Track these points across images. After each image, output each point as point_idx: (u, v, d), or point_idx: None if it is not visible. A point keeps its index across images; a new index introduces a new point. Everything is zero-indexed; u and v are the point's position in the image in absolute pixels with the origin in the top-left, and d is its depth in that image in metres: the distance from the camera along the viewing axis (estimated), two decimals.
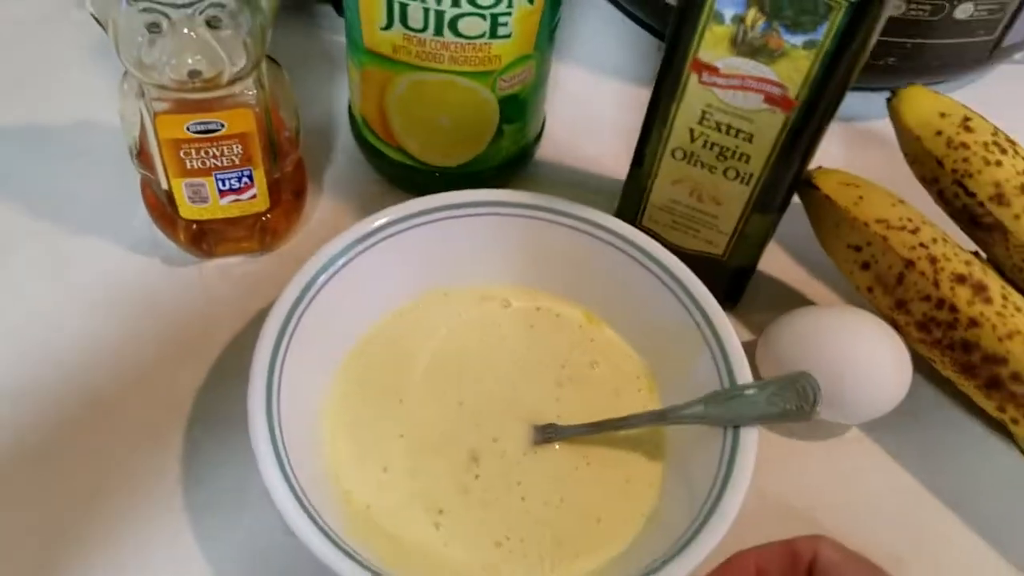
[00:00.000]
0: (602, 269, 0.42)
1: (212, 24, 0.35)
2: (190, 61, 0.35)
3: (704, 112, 0.37)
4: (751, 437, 0.35)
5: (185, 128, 0.38)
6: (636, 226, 0.43)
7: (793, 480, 0.41)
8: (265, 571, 0.37)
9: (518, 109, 0.45)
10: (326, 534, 0.32)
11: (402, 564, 0.34)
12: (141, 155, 0.41)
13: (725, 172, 0.39)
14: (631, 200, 0.43)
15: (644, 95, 0.39)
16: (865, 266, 0.41)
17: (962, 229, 0.43)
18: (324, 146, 0.51)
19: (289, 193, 0.45)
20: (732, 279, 0.44)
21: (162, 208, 0.43)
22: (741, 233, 0.41)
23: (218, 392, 0.41)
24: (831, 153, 0.45)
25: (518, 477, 0.38)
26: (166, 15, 0.34)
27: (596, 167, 0.53)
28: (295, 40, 0.56)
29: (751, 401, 0.36)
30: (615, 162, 0.53)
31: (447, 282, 0.43)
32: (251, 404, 0.34)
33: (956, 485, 0.41)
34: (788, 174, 0.38)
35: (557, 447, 0.39)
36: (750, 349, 0.43)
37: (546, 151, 0.53)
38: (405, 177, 0.48)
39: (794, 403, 0.35)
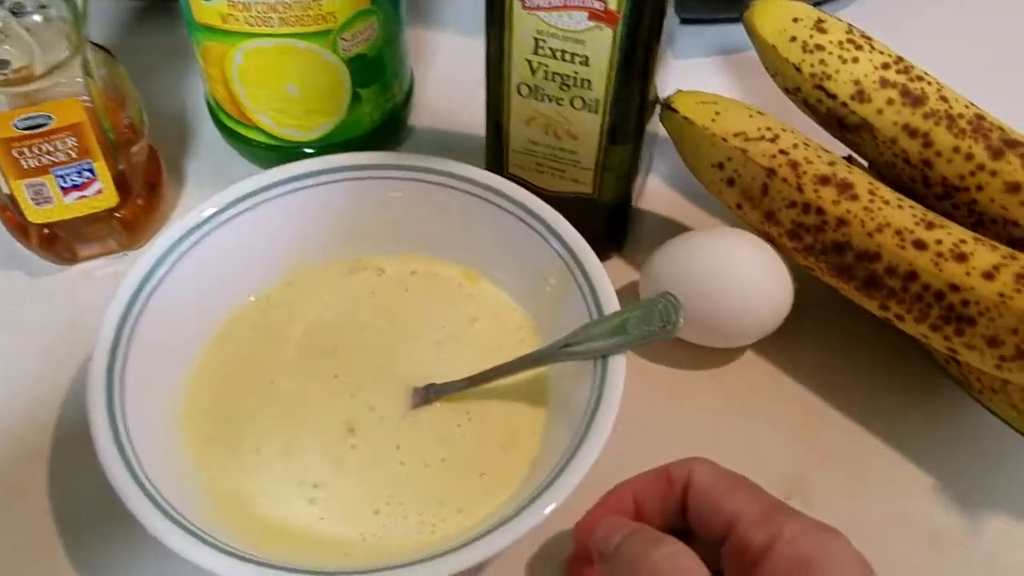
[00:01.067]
0: (474, 223, 0.41)
1: (16, 11, 0.33)
2: (7, 47, 0.33)
3: (536, 40, 0.35)
4: (618, 363, 0.34)
5: (12, 125, 0.36)
6: (503, 175, 0.42)
7: (688, 410, 0.40)
8: None
9: (371, 70, 0.44)
10: (180, 525, 0.30)
11: (274, 544, 0.33)
12: None
13: (572, 102, 0.37)
14: (494, 149, 0.42)
15: None
16: (730, 182, 0.40)
17: (834, 136, 0.42)
18: (186, 137, 0.50)
19: (142, 186, 0.43)
20: (610, 218, 0.43)
21: (10, 215, 0.41)
22: (604, 167, 0.40)
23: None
24: (713, 86, 0.44)
25: (397, 441, 0.36)
26: None
27: (475, 128, 0.51)
28: (157, 34, 0.54)
29: (616, 329, 0.35)
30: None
31: (315, 257, 0.42)
32: (91, 406, 0.33)
33: (855, 395, 0.40)
34: (633, 97, 0.37)
35: (438, 406, 0.38)
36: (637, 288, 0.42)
37: (421, 117, 0.52)
38: (268, 156, 0.46)
39: (657, 324, 0.34)
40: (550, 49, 0.36)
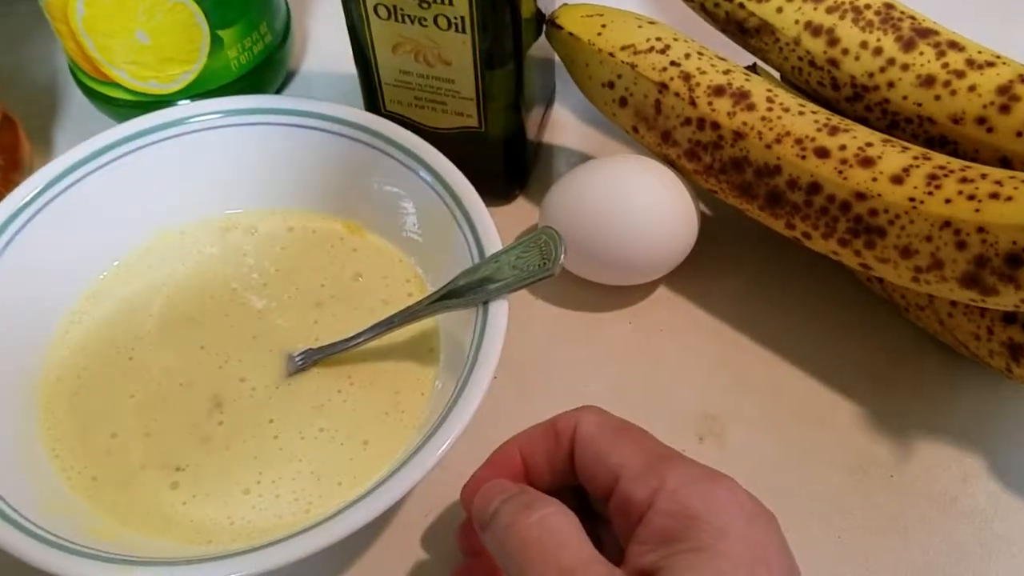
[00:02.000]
0: (352, 169, 0.37)
1: None
2: None
3: None
4: (499, 309, 0.31)
5: None
6: (380, 113, 0.38)
7: (597, 354, 0.36)
8: None
9: (229, 8, 0.40)
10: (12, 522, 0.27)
11: (134, 535, 0.30)
12: None
13: (436, 21, 0.33)
14: (366, 85, 0.38)
15: None
16: (622, 102, 0.36)
17: (736, 43, 0.38)
18: (55, 105, 0.46)
19: (4, 156, 0.39)
20: (506, 154, 0.39)
21: None
22: (486, 95, 0.36)
23: None
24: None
25: (270, 415, 0.33)
26: None
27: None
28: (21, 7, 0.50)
29: (496, 270, 0.31)
30: None
31: (179, 219, 0.38)
32: None
33: (771, 324, 0.37)
34: (501, 11, 0.33)
35: (316, 372, 0.34)
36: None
37: (306, 60, 0.48)
38: (136, 114, 0.42)
39: (536, 262, 0.31)
40: None
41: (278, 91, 0.46)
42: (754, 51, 0.37)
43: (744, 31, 0.36)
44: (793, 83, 0.37)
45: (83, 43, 0.39)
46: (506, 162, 0.40)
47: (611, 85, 0.36)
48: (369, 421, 0.33)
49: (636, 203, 0.35)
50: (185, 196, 0.38)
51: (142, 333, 0.35)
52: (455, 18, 0.33)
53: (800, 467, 0.33)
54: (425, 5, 0.33)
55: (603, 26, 0.36)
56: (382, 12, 0.34)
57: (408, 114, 0.38)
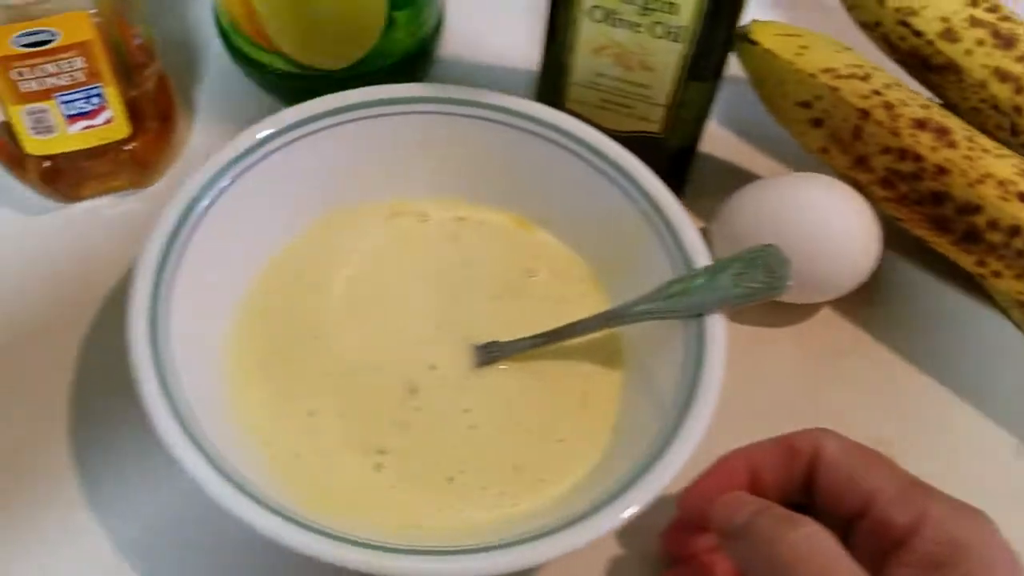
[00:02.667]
0: (528, 165, 0.37)
1: None
2: None
3: None
4: (717, 325, 0.31)
5: (9, 43, 0.31)
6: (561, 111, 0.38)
7: (762, 371, 0.37)
8: (176, 541, 0.32)
9: None
10: (244, 490, 0.27)
11: (342, 514, 0.30)
12: None
13: (652, 29, 0.34)
14: (550, 82, 0.38)
15: None
16: (817, 123, 0.37)
17: (912, 76, 0.39)
18: (189, 61, 0.44)
19: (154, 117, 0.38)
20: (673, 161, 0.40)
21: (5, 145, 0.36)
22: (679, 104, 0.36)
23: (104, 350, 0.35)
24: (771, 18, 0.41)
25: (464, 404, 0.33)
26: None
27: (506, 59, 0.47)
28: None
29: (712, 285, 0.32)
30: (530, 49, 0.48)
31: (353, 199, 0.38)
32: (134, 354, 0.29)
33: (938, 355, 0.38)
34: (722, 25, 0.34)
35: (503, 367, 0.34)
36: (703, 237, 0.39)
37: (446, 47, 0.47)
38: (288, 87, 0.42)
39: (761, 280, 0.31)
40: None
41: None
42: (931, 85, 0.39)
43: (927, 67, 0.38)
44: (969, 122, 0.38)
45: (258, 11, 0.38)
46: (671, 169, 0.40)
47: (807, 105, 0.37)
48: (561, 419, 0.33)
49: (823, 222, 0.36)
50: (357, 179, 0.37)
51: (326, 313, 0.35)
52: (674, 28, 0.33)
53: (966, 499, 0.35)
54: (647, 12, 0.33)
55: (803, 47, 0.37)
56: (597, 15, 0.34)
57: (588, 114, 0.38)
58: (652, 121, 0.38)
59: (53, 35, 0.32)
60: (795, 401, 0.37)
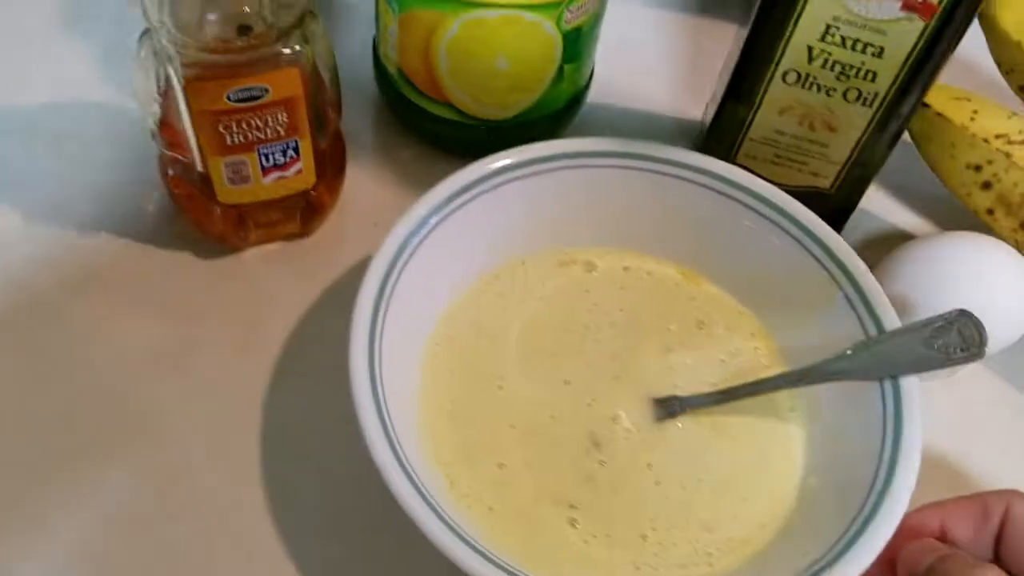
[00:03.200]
0: (695, 217, 0.38)
1: None
2: (246, 9, 0.29)
3: (829, 26, 0.32)
4: (913, 387, 0.32)
5: (226, 97, 0.32)
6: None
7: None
8: None
9: (579, 45, 0.40)
10: (467, 542, 0.27)
11: (542, 569, 0.30)
12: (165, 133, 0.35)
13: (845, 94, 0.34)
14: (724, 136, 0.39)
15: (686, 20, 0.35)
16: (986, 186, 0.37)
17: None
18: (346, 108, 0.45)
19: (332, 166, 0.39)
20: (835, 217, 0.40)
21: (190, 193, 0.37)
22: (855, 162, 0.37)
23: (288, 393, 0.36)
24: None
25: (647, 459, 0.34)
26: None
27: (650, 105, 0.48)
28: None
29: (905, 347, 0.32)
30: (670, 97, 0.49)
31: (523, 250, 0.38)
32: (358, 399, 0.29)
33: None
34: (915, 92, 0.34)
35: (680, 422, 0.35)
36: None
37: (591, 95, 0.48)
38: (447, 135, 0.43)
39: (956, 343, 0.32)
40: (841, 37, 0.32)
41: None
42: None
43: None
44: None
45: (436, 63, 0.39)
46: (832, 225, 0.41)
47: (978, 168, 0.37)
48: (742, 476, 0.34)
49: (986, 280, 0.36)
50: (528, 229, 0.38)
51: (505, 363, 0.36)
52: (868, 93, 0.34)
53: None
54: (843, 78, 0.34)
55: (975, 111, 0.37)
56: (790, 78, 0.35)
57: (759, 168, 0.39)
58: (823, 177, 0.38)
59: (264, 91, 0.33)
60: (945, 452, 0.37)
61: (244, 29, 0.30)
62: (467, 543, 0.27)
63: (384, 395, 0.30)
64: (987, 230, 0.38)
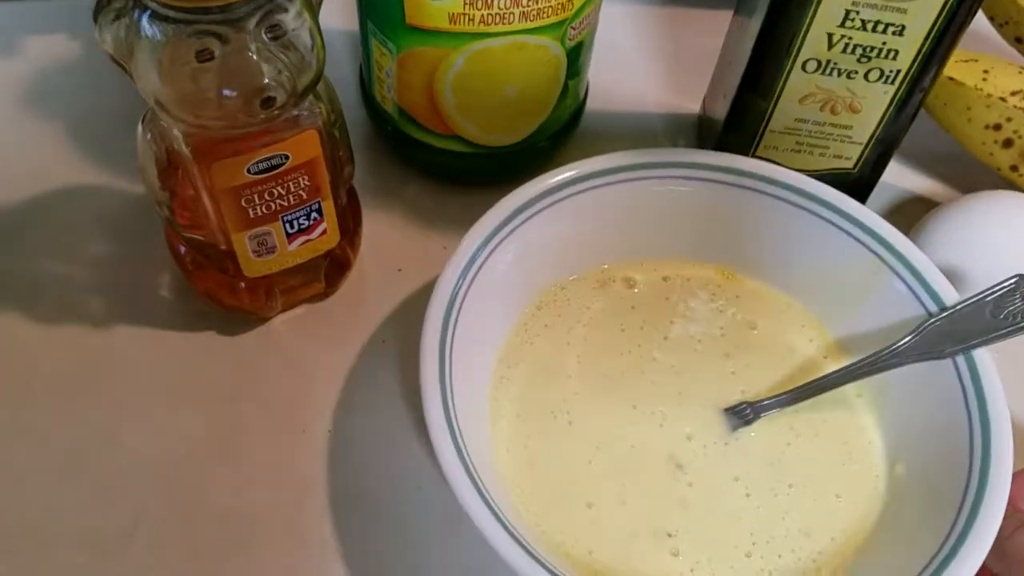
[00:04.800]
0: (727, 216, 0.37)
1: (274, 34, 0.27)
2: (268, 81, 0.27)
3: (848, 11, 0.32)
4: (987, 360, 0.32)
5: (246, 171, 0.30)
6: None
7: None
8: None
9: (580, 59, 0.39)
10: None
11: None
12: (181, 216, 0.33)
13: (867, 75, 0.34)
14: (743, 130, 0.38)
15: (660, 12, 0.34)
16: (1007, 144, 0.37)
17: None
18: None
19: (353, 218, 0.37)
20: (855, 195, 0.40)
21: (209, 271, 0.35)
22: (878, 140, 0.37)
23: (348, 465, 0.34)
24: None
25: (732, 472, 0.33)
26: (219, 35, 0.26)
27: (641, 105, 0.48)
28: None
29: (971, 320, 0.32)
30: (660, 94, 0.48)
31: (561, 275, 0.37)
32: (446, 462, 0.28)
33: None
34: (936, 64, 0.34)
35: (753, 430, 0.34)
36: None
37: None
38: (453, 166, 0.41)
39: (1021, 312, 0.32)
40: (861, 21, 0.32)
41: None
42: None
43: None
44: None
45: (442, 98, 0.38)
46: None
47: (997, 127, 0.37)
48: (830, 473, 0.33)
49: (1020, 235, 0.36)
50: (563, 254, 0.37)
51: (568, 395, 0.35)
52: (890, 71, 0.34)
53: None
54: (864, 60, 0.33)
55: (985, 72, 0.37)
56: (810, 66, 0.34)
57: (781, 159, 0.38)
58: (847, 159, 0.38)
59: (285, 158, 0.31)
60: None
61: (268, 101, 0.28)
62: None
63: (468, 451, 0.29)
64: (1011, 186, 0.39)
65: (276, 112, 0.29)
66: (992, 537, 0.28)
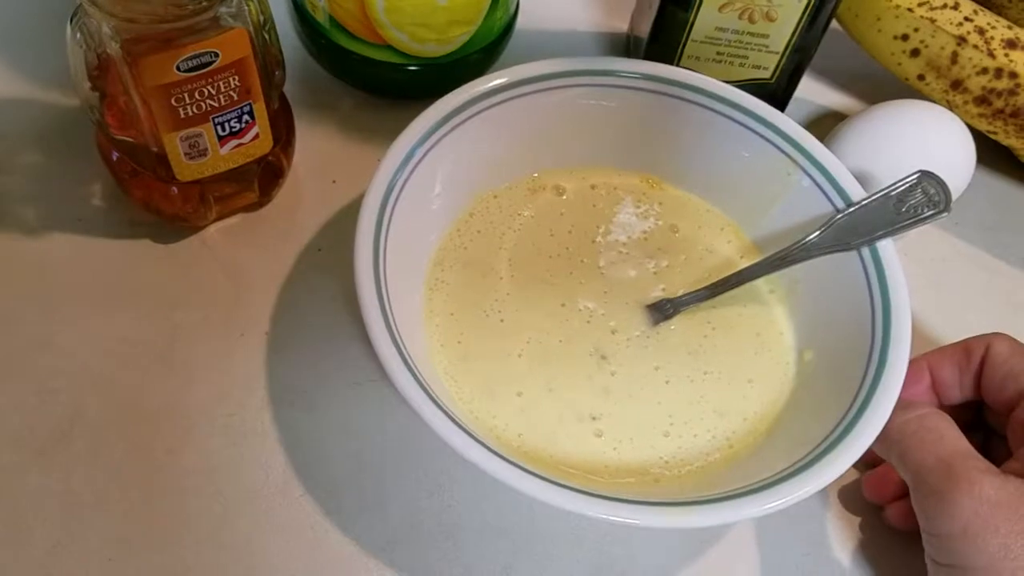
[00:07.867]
0: (650, 124, 0.39)
1: None
2: None
3: None
4: (891, 250, 0.34)
5: (175, 68, 0.31)
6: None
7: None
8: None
9: None
10: (529, 472, 0.28)
11: (586, 483, 0.31)
12: (111, 117, 0.33)
13: None
14: (666, 41, 0.39)
15: None
16: (915, 53, 0.39)
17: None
18: None
19: (286, 125, 0.38)
20: (772, 104, 0.42)
21: (142, 176, 0.35)
22: (794, 48, 0.38)
23: (287, 365, 0.35)
24: None
25: (653, 362, 0.35)
26: None
27: (572, 24, 0.49)
28: None
29: (875, 214, 0.34)
30: (591, 13, 0.49)
31: (493, 184, 0.39)
32: (384, 356, 0.29)
33: None
34: None
35: (674, 324, 0.36)
36: None
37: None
38: (385, 78, 0.42)
39: (923, 204, 0.34)
40: None
41: None
42: (990, 5, 0.41)
43: None
44: None
45: (372, 4, 0.38)
46: None
47: (905, 37, 0.39)
48: (744, 361, 0.36)
49: (930, 141, 0.38)
50: (495, 162, 0.38)
51: (501, 295, 0.36)
52: None
53: None
54: None
55: None
56: None
57: (700, 69, 0.40)
58: (765, 68, 0.40)
59: (215, 56, 0.31)
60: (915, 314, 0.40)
61: None
62: (529, 473, 0.28)
63: (405, 345, 0.30)
64: (917, 96, 0.41)
65: (204, 4, 0.29)
66: (891, 407, 0.30)
